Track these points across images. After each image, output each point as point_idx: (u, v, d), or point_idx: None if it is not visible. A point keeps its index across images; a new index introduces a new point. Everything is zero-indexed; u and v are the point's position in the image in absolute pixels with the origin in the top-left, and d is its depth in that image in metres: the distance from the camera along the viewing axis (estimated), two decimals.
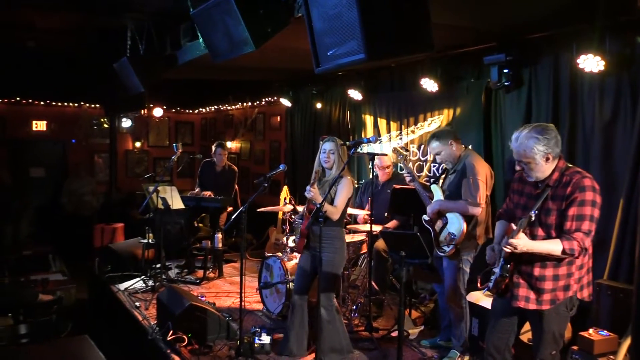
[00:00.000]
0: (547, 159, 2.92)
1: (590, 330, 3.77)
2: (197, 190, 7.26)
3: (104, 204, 9.93)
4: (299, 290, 4.31)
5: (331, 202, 4.04)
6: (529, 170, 2.98)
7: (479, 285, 3.43)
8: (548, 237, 2.95)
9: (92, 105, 10.47)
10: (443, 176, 4.50)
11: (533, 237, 2.97)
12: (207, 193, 7.05)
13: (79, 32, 6.56)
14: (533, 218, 2.82)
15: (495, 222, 3.46)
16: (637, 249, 1.90)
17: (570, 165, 3.04)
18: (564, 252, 2.86)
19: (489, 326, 3.34)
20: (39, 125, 10.23)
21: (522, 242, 2.87)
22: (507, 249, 2.90)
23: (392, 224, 5.54)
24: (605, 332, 3.73)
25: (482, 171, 4.19)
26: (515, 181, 3.29)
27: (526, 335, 3.72)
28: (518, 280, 3.05)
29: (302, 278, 4.30)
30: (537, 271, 3.00)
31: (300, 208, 4.55)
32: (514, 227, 2.90)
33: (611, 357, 3.58)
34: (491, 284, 3.13)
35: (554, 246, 2.88)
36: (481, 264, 3.42)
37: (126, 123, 10.92)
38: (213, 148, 7.35)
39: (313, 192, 4.01)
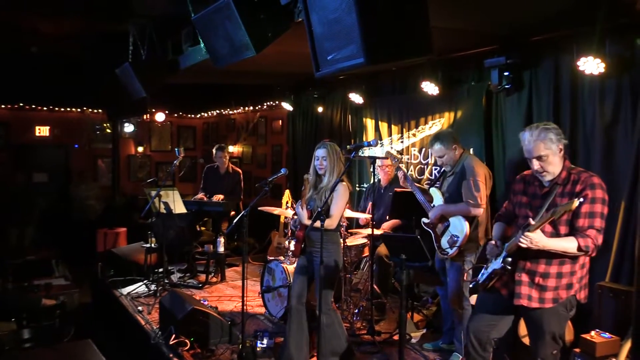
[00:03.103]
0: (560, 149, 3.00)
1: (592, 333, 3.77)
2: (200, 195, 7.26)
3: (106, 209, 9.95)
4: (296, 294, 4.30)
5: (328, 209, 4.04)
6: (547, 165, 3.00)
7: (465, 278, 3.43)
8: (556, 233, 2.96)
9: (95, 111, 10.53)
10: (441, 178, 4.52)
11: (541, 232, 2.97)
12: (218, 197, 7.02)
13: (82, 38, 6.59)
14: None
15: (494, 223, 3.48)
16: (636, 251, 1.91)
17: (574, 166, 3.10)
18: (579, 249, 2.87)
19: (472, 317, 3.35)
20: (42, 131, 10.28)
21: (538, 237, 2.86)
22: (524, 243, 2.87)
23: (392, 222, 5.52)
24: (607, 335, 3.73)
25: (481, 172, 4.20)
26: (517, 182, 3.31)
27: (528, 339, 3.71)
28: (520, 277, 3.05)
29: (299, 282, 4.30)
30: (542, 268, 3.01)
31: None
32: (532, 222, 2.87)
33: (613, 359, 3.57)
34: (482, 277, 3.15)
35: (569, 244, 2.89)
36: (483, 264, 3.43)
37: (128, 128, 10.96)
38: (214, 152, 7.37)
39: (301, 213, 4.10)
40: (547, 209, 2.92)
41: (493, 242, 3.27)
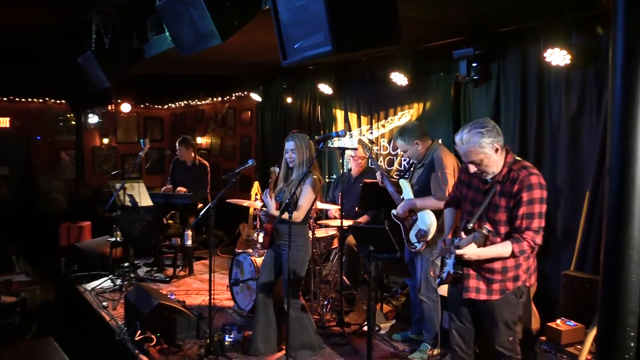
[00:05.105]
0: (496, 149, 2.94)
1: (558, 321, 3.81)
2: (169, 186, 7.13)
3: (70, 202, 9.71)
4: (263, 287, 4.26)
5: (296, 202, 3.99)
6: (485, 168, 2.99)
7: (431, 274, 3.44)
8: (496, 232, 2.98)
9: (58, 101, 10.22)
10: (412, 169, 4.50)
11: None
12: (182, 190, 6.92)
13: (43, 26, 6.37)
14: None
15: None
16: (603, 241, 1.91)
17: (519, 159, 3.07)
18: (513, 254, 2.93)
19: (450, 315, 3.36)
20: (2, 122, 9.93)
21: (470, 252, 2.93)
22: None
23: (363, 219, 5.53)
24: (572, 323, 3.78)
25: (450, 164, 4.19)
26: (462, 171, 3.30)
27: None
28: (468, 271, 3.09)
29: (267, 275, 4.26)
30: (486, 264, 3.04)
31: None
32: (463, 235, 2.94)
33: (578, 346, 3.62)
34: (444, 274, 3.16)
35: (503, 249, 2.94)
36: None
37: (93, 119, 10.69)
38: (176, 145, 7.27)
39: (269, 202, 4.05)
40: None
41: (443, 241, 3.25)
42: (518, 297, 3.10)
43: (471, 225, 2.94)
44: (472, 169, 3.04)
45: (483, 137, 2.90)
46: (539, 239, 2.93)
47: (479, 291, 3.07)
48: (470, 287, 3.08)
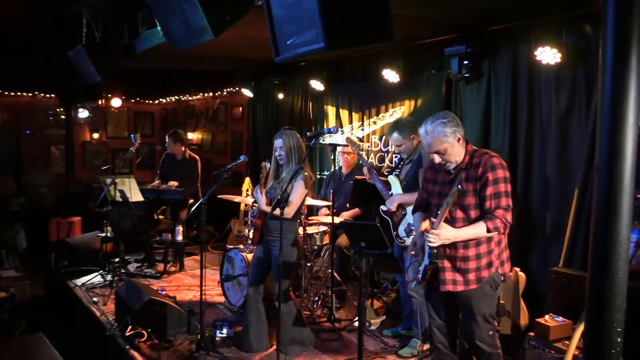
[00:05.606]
0: (458, 139, 3.06)
1: (546, 317, 3.85)
2: (157, 182, 7.11)
3: (60, 197, 9.63)
4: (253, 282, 4.27)
5: (287, 198, 3.99)
6: (448, 157, 3.08)
7: (407, 279, 3.45)
8: (467, 217, 3.05)
9: (47, 95, 10.12)
10: (401, 165, 4.52)
11: (453, 218, 3.06)
12: (173, 183, 6.90)
13: (33, 19, 6.32)
14: (455, 189, 2.89)
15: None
16: (591, 238, 1.93)
17: (477, 148, 3.18)
18: (488, 231, 2.97)
19: (429, 314, 3.37)
20: None
21: (445, 232, 2.97)
22: (433, 242, 2.96)
23: (353, 212, 5.52)
24: (560, 318, 3.82)
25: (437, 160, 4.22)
26: (427, 170, 3.39)
27: None
28: (442, 264, 3.11)
29: (256, 271, 4.28)
30: (460, 252, 3.07)
31: None
32: (433, 219, 2.98)
33: (566, 342, 3.66)
34: (420, 275, 3.17)
35: (478, 229, 2.99)
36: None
37: (83, 113, 10.59)
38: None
39: (260, 198, 4.05)
40: (459, 185, 3.00)
41: (414, 239, 3.28)
42: (494, 289, 3.14)
43: (440, 212, 2.98)
44: (437, 159, 3.13)
45: (446, 126, 3.03)
46: (509, 217, 3.00)
47: (456, 283, 3.09)
48: (446, 279, 3.10)
